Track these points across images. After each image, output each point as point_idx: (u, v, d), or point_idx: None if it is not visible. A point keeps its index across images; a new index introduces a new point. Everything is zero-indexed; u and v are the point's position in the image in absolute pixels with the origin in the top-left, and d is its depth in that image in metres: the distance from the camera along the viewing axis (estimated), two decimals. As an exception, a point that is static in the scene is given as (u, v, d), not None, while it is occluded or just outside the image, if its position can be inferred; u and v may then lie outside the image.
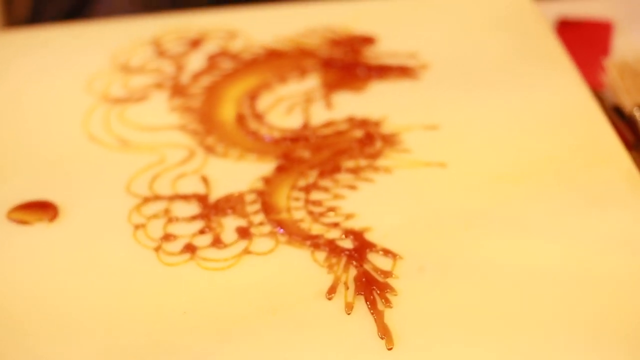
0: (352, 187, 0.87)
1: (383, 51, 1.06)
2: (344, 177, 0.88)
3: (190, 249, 0.82)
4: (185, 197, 0.88)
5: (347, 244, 0.81)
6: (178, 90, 1.02)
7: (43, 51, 1.09)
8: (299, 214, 0.85)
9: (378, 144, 0.92)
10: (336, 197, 0.86)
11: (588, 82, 1.00)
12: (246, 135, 0.95)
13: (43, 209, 0.87)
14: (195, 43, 1.09)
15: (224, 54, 1.07)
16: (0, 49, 1.10)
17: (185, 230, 0.84)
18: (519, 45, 1.06)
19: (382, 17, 1.12)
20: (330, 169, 0.89)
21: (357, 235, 0.82)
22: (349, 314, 0.75)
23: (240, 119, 0.97)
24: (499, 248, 0.80)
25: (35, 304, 0.78)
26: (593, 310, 0.74)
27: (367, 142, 0.92)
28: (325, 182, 0.88)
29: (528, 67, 1.02)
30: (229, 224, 0.84)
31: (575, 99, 0.96)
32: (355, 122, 0.95)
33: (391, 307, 0.75)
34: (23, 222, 0.86)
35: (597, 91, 1.01)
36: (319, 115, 0.97)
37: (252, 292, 0.78)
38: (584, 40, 1.14)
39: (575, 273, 0.77)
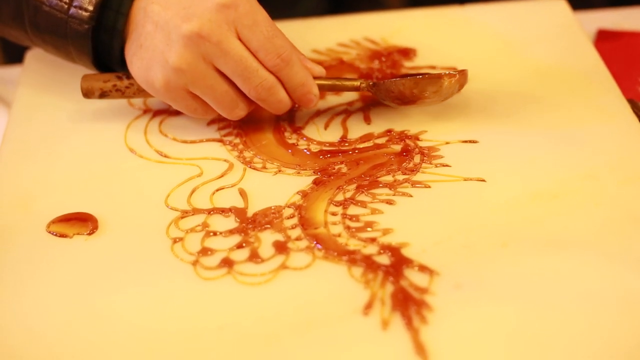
0: (390, 202, 0.87)
1: (422, 64, 1.05)
2: (381, 192, 0.88)
3: (227, 263, 0.82)
4: (223, 211, 0.88)
5: (384, 259, 0.81)
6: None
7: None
8: (336, 229, 0.85)
9: (416, 158, 0.92)
10: (374, 212, 0.86)
11: (627, 94, 0.99)
12: (284, 149, 0.95)
13: (82, 222, 0.87)
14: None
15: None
16: (40, 63, 1.11)
17: (223, 245, 0.84)
18: (559, 57, 1.05)
19: (422, 29, 1.12)
20: (368, 183, 0.89)
21: (394, 251, 0.82)
22: (385, 330, 0.75)
23: (279, 132, 0.98)
24: (536, 265, 0.79)
25: (72, 318, 0.79)
26: (631, 330, 0.74)
27: (405, 156, 0.92)
28: (363, 197, 0.88)
29: (567, 80, 1.01)
30: (267, 239, 0.85)
31: (614, 113, 0.96)
32: (394, 136, 0.95)
33: (427, 324, 0.75)
34: (62, 235, 0.86)
35: (636, 103, 1.00)
36: (357, 128, 0.97)
37: (289, 307, 0.78)
38: (623, 52, 1.13)
39: (613, 291, 0.77)
